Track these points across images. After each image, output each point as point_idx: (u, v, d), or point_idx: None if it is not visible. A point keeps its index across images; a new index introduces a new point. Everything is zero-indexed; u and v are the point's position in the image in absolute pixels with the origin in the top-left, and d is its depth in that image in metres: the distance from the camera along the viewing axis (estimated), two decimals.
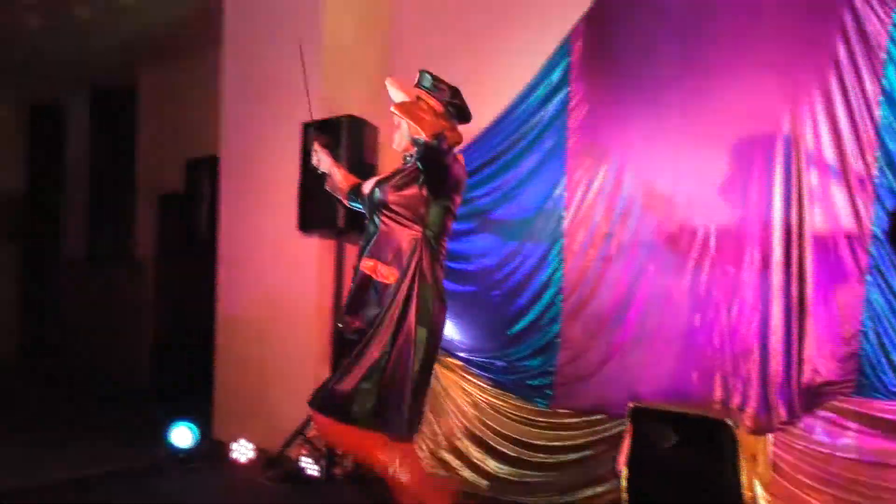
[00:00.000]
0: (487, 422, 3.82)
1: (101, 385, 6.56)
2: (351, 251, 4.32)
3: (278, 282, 4.47)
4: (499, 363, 3.79)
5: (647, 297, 3.36)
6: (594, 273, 3.51)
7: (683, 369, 3.22)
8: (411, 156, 2.68)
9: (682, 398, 3.17)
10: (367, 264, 2.61)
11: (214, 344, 4.82)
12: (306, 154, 4.03)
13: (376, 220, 2.65)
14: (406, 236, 2.59)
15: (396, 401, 2.51)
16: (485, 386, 3.85)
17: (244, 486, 3.84)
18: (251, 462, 4.18)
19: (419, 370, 2.53)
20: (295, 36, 4.37)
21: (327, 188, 3.10)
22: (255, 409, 4.51)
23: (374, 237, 2.62)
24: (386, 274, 2.57)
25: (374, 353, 2.52)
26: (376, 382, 2.50)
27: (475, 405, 3.88)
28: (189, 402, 4.71)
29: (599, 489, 3.38)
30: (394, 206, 2.60)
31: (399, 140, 2.75)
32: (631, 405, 3.08)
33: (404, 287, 2.54)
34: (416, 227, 2.60)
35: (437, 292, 2.59)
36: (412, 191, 2.58)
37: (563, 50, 3.62)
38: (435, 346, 2.60)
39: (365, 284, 2.62)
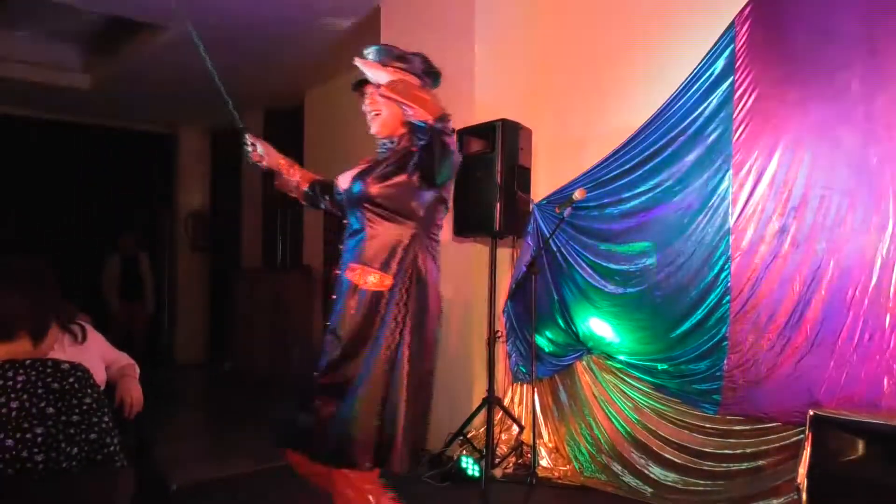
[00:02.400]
0: (650, 427, 3.70)
1: (276, 385, 7.03)
2: (503, 255, 4.36)
3: None
4: (662, 367, 3.66)
5: (826, 297, 3.11)
6: (765, 271, 3.30)
7: (872, 375, 2.94)
8: (391, 142, 2.39)
9: (870, 406, 2.91)
10: (352, 271, 2.27)
11: None
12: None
13: (357, 217, 2.31)
14: (396, 234, 2.26)
15: (392, 431, 2.20)
16: (647, 390, 3.74)
17: (405, 485, 3.95)
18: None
19: (419, 387, 2.26)
20: (447, 44, 4.50)
21: (276, 187, 2.78)
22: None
23: (360, 239, 2.28)
24: (376, 281, 2.24)
25: (361, 372, 2.21)
26: (370, 410, 2.19)
27: (637, 409, 3.77)
28: None
29: (774, 502, 3.17)
30: (379, 200, 2.25)
31: (381, 126, 2.39)
32: (811, 413, 2.86)
33: (401, 295, 2.23)
34: (407, 221, 2.27)
35: (435, 294, 2.33)
36: (399, 180, 2.25)
37: (728, 36, 3.45)
38: (433, 355, 2.34)
39: (348, 295, 2.28)
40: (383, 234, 2.26)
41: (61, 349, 2.22)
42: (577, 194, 3.66)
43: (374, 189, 2.26)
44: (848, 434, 2.78)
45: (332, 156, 6.98)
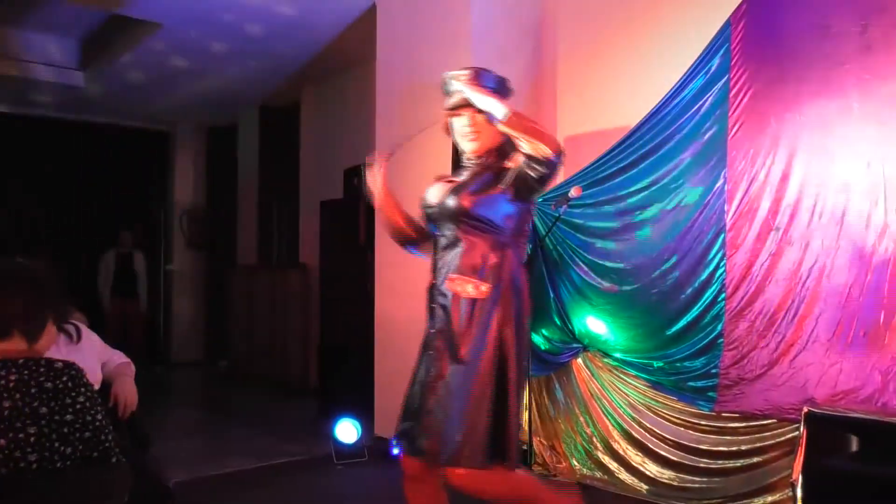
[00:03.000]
0: (647, 424, 3.71)
1: (272, 382, 7.04)
2: None
3: None
4: (657, 364, 3.67)
5: (821, 294, 3.12)
6: (761, 269, 3.30)
7: (866, 371, 2.95)
8: (479, 157, 2.47)
9: (864, 403, 2.91)
10: (452, 282, 2.37)
11: (374, 343, 5.02)
12: (456, 159, 4.12)
13: (452, 230, 2.40)
14: (491, 244, 2.37)
15: (503, 429, 2.31)
16: (643, 387, 3.74)
17: (398, 484, 3.96)
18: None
19: (521, 387, 2.39)
20: (443, 45, 4.50)
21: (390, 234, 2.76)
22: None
23: (457, 251, 2.39)
24: (476, 290, 2.34)
25: (469, 376, 2.31)
26: (480, 411, 2.29)
27: (633, 407, 3.78)
28: (353, 399, 4.94)
29: (770, 498, 3.19)
30: (475, 214, 2.36)
31: (480, 147, 2.46)
32: (806, 410, 2.87)
33: (500, 301, 2.35)
34: (500, 232, 2.39)
35: (527, 298, 2.44)
36: (495, 194, 2.37)
37: (723, 34, 3.45)
38: (529, 355, 2.47)
39: (450, 304, 2.38)
40: (480, 245, 2.37)
41: (56, 348, 2.21)
42: (573, 192, 3.66)
43: (472, 203, 2.36)
44: (842, 431, 2.80)
45: (327, 153, 6.99)
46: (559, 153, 2.24)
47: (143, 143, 9.08)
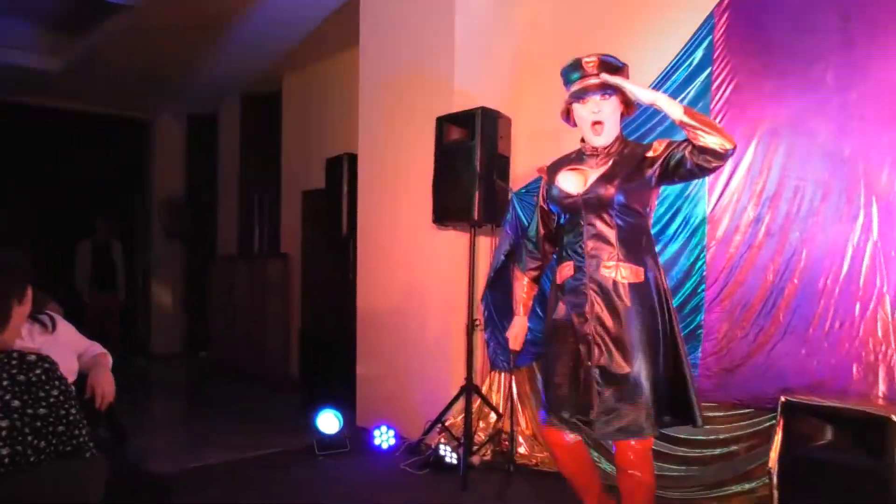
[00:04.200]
0: None
1: (253, 374, 7.01)
2: (483, 243, 4.36)
3: (414, 274, 4.58)
4: None
5: (798, 285, 3.16)
6: (740, 260, 3.34)
7: (841, 362, 3.00)
8: (604, 147, 2.55)
9: (839, 392, 2.96)
10: (608, 269, 2.48)
11: (356, 334, 5.02)
12: (440, 147, 4.12)
13: (601, 219, 2.50)
14: (639, 230, 2.51)
15: (686, 392, 2.51)
16: None
17: (385, 472, 3.97)
18: (392, 449, 4.31)
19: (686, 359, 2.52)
20: (427, 32, 4.48)
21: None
22: (395, 397, 4.65)
23: (610, 238, 2.49)
24: (632, 274, 2.47)
25: (644, 357, 2.44)
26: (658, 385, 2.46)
27: None
28: (335, 390, 4.93)
29: (747, 486, 3.23)
30: (627, 202, 2.47)
31: (606, 136, 2.54)
32: (782, 399, 2.90)
33: (655, 282, 2.49)
34: (644, 217, 2.54)
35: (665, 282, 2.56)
36: (642, 183, 2.47)
37: (706, 27, 3.47)
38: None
39: (609, 291, 2.48)
40: (630, 231, 2.49)
41: (30, 339, 2.18)
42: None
43: (626, 192, 2.46)
44: (818, 419, 2.84)
45: (309, 143, 6.94)
46: (735, 146, 2.30)
47: (120, 131, 8.96)
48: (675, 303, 3.50)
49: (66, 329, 2.42)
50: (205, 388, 7.12)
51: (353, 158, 5.13)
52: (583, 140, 2.62)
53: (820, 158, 3.15)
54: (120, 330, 7.75)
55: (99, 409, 2.29)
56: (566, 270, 2.58)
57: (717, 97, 3.43)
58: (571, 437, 2.59)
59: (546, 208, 2.77)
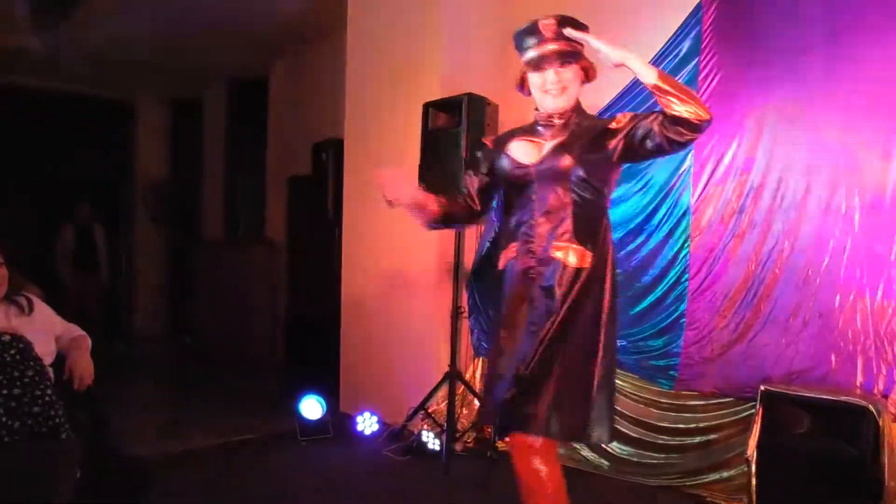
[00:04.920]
0: None
1: (236, 359, 6.98)
2: (468, 230, 4.36)
3: (399, 260, 4.57)
4: (621, 343, 3.71)
5: (780, 277, 3.19)
6: (723, 250, 3.36)
7: (820, 352, 3.04)
8: (558, 117, 2.27)
9: (818, 382, 2.99)
10: (558, 250, 2.19)
11: (340, 320, 5.01)
12: (426, 133, 4.10)
13: (553, 194, 2.21)
14: (595, 209, 2.23)
15: (606, 409, 2.19)
16: None
17: (368, 458, 3.97)
18: (375, 435, 4.32)
19: (612, 366, 2.24)
20: (414, 17, 4.45)
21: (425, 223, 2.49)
22: (379, 383, 4.66)
23: (561, 215, 2.20)
24: (579, 259, 2.17)
25: (575, 350, 2.15)
26: (577, 389, 2.15)
27: None
28: (318, 376, 4.92)
29: (726, 474, 3.27)
30: (585, 175, 2.19)
31: (567, 100, 2.26)
32: (762, 388, 2.94)
33: (605, 272, 2.21)
34: (603, 196, 2.25)
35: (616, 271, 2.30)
36: (603, 155, 2.20)
37: (695, 17, 3.48)
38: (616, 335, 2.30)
39: (554, 274, 2.18)
40: (586, 210, 2.21)
41: (6, 321, 2.15)
42: None
43: (584, 164, 2.19)
44: (796, 409, 2.87)
45: (296, 128, 6.89)
46: (711, 118, 2.06)
47: (103, 113, 8.84)
48: (657, 292, 3.56)
49: (43, 311, 2.39)
50: (187, 372, 7.09)
51: (339, 144, 5.10)
52: (537, 110, 2.34)
53: (804, 150, 3.17)
54: (102, 313, 7.70)
55: (77, 392, 2.27)
56: (510, 253, 2.30)
57: (704, 88, 3.44)
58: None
59: (484, 178, 2.47)
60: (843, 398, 2.77)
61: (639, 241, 3.65)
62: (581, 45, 2.22)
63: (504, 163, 2.34)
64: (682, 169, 3.51)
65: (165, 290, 9.15)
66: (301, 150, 6.57)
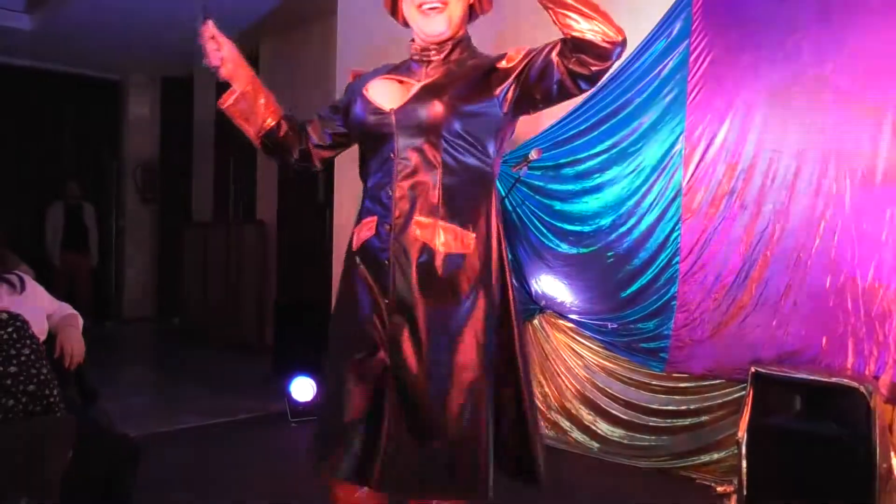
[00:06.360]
0: (599, 384, 3.77)
1: (227, 340, 6.97)
2: None
3: None
4: (612, 325, 3.72)
5: (771, 258, 3.19)
6: (714, 232, 3.36)
7: (811, 333, 3.04)
8: (436, 50, 1.76)
9: (808, 364, 3.01)
10: (422, 227, 1.65)
11: (331, 302, 4.99)
12: None
13: (417, 152, 1.67)
14: (476, 175, 1.70)
15: (523, 438, 1.71)
16: (597, 348, 3.80)
17: None
18: None
19: (531, 375, 1.78)
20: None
21: (228, 111, 1.98)
22: None
23: (428, 182, 1.66)
24: (456, 241, 1.65)
25: (448, 366, 1.62)
26: (475, 416, 1.62)
27: (586, 367, 3.84)
28: (309, 357, 4.92)
29: (716, 455, 3.29)
30: (460, 129, 1.66)
31: (447, 25, 1.74)
32: (753, 370, 2.94)
33: (491, 258, 1.69)
34: (487, 159, 1.71)
35: (508, 259, 1.76)
36: (487, 103, 1.68)
37: None
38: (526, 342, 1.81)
39: (417, 260, 1.65)
40: (463, 176, 1.67)
41: None
42: (533, 154, 3.64)
43: (459, 113, 1.65)
44: (787, 390, 2.88)
45: (286, 107, 6.83)
46: (625, 39, 1.57)
47: (93, 92, 8.76)
48: (648, 274, 3.56)
49: (35, 290, 2.37)
50: (176, 353, 7.08)
51: None
52: (413, 41, 1.83)
53: (795, 131, 3.16)
54: (91, 293, 7.66)
55: (68, 370, 2.25)
56: (365, 231, 1.74)
57: (694, 69, 3.42)
58: (364, 491, 1.69)
59: (330, 116, 1.98)
60: (834, 379, 2.78)
61: (630, 223, 3.64)
62: None
63: (358, 107, 1.79)
64: (674, 151, 3.50)
65: (155, 271, 9.11)
66: None
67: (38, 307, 2.33)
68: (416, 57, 1.80)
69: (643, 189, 3.59)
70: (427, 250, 1.64)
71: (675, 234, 3.49)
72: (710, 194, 3.38)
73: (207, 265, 7.54)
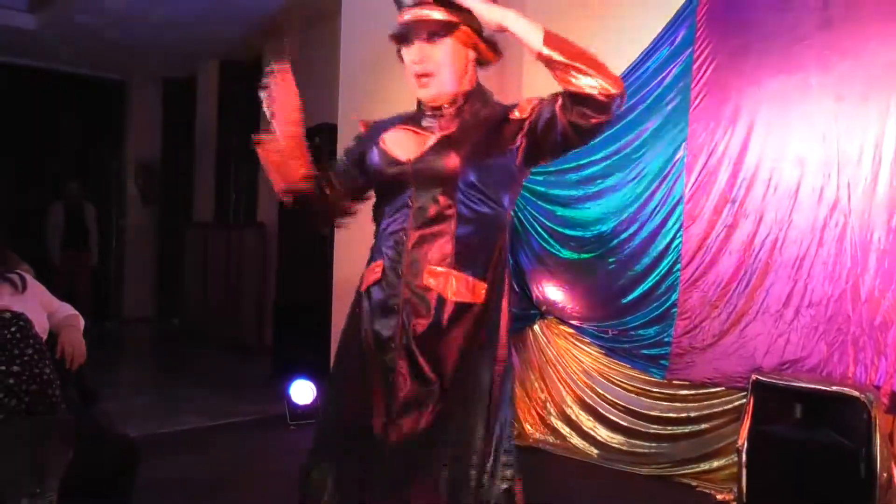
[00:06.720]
0: (599, 390, 3.77)
1: (226, 341, 6.97)
2: None
3: None
4: (612, 331, 3.72)
5: (773, 266, 3.19)
6: (716, 240, 3.36)
7: (812, 342, 3.04)
8: (450, 105, 1.76)
9: (809, 372, 3.01)
10: (434, 276, 1.67)
11: (331, 305, 4.99)
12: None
13: (433, 202, 1.70)
14: (491, 227, 1.73)
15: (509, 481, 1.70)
16: (597, 354, 3.80)
17: None
18: None
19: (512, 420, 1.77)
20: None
21: (258, 152, 1.83)
22: None
23: (443, 230, 1.69)
24: (467, 290, 1.68)
25: (459, 412, 1.66)
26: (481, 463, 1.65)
27: (587, 373, 3.83)
28: (308, 360, 4.91)
29: (716, 463, 3.29)
30: (478, 180, 1.69)
31: (439, 91, 1.75)
32: (753, 378, 2.95)
33: (499, 308, 1.73)
34: (500, 209, 1.74)
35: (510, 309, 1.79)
36: (500, 156, 1.72)
37: (690, 7, 3.46)
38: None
39: (429, 309, 1.67)
40: (477, 227, 1.71)
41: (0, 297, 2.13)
42: None
43: (474, 166, 1.69)
44: (788, 398, 2.88)
45: None
46: (624, 91, 1.56)
47: (96, 92, 8.76)
48: (649, 281, 3.56)
49: (36, 289, 2.36)
50: (176, 354, 7.07)
51: (332, 129, 5.07)
52: None
53: (797, 139, 3.17)
54: (91, 293, 7.65)
55: (69, 370, 2.25)
56: (373, 273, 1.78)
57: (697, 77, 3.43)
58: None
59: (351, 169, 1.93)
60: (834, 388, 2.78)
61: (632, 230, 3.65)
62: (459, 10, 1.69)
63: (375, 157, 1.82)
64: (676, 158, 3.51)
65: (155, 272, 9.11)
66: None
67: (40, 307, 2.32)
68: (428, 112, 1.81)
69: (645, 195, 3.60)
70: (438, 298, 1.67)
71: (676, 241, 3.49)
72: (713, 202, 3.39)
73: (208, 266, 7.54)
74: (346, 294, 5.23)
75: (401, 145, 1.78)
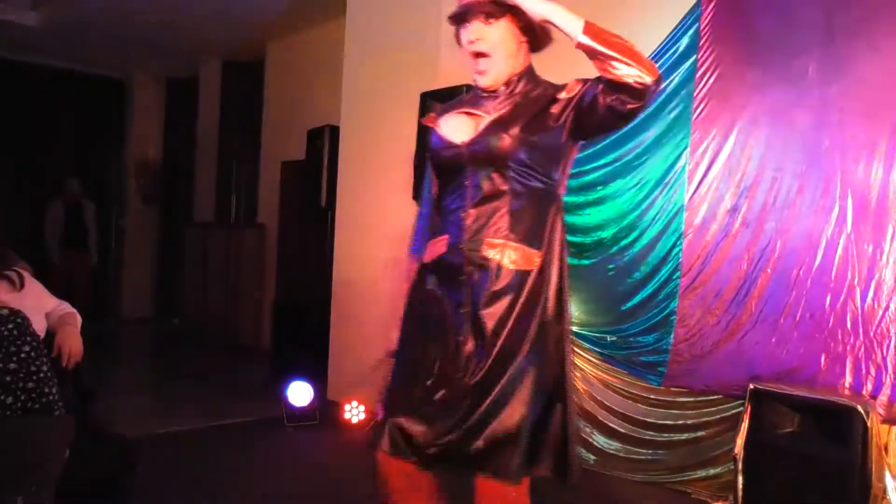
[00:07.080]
0: (596, 397, 3.77)
1: (225, 342, 6.97)
2: None
3: (392, 249, 4.55)
4: (611, 338, 3.73)
5: (772, 275, 3.20)
6: (716, 249, 3.37)
7: (809, 352, 3.05)
8: (505, 86, 1.91)
9: (806, 382, 3.01)
10: (493, 248, 1.82)
11: (330, 307, 4.99)
12: (422, 124, 4.08)
13: (489, 180, 1.84)
14: (542, 199, 1.86)
15: (565, 434, 1.88)
16: (595, 361, 3.80)
17: (351, 447, 3.97)
18: (361, 423, 4.31)
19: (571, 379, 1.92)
20: (415, 5, 4.42)
21: None
22: (367, 372, 4.64)
23: (501, 206, 1.83)
24: (524, 259, 1.82)
25: (521, 372, 1.78)
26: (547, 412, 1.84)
27: (585, 380, 3.83)
28: (307, 362, 4.91)
29: (712, 471, 3.28)
30: (526, 158, 1.82)
31: (495, 77, 1.89)
32: (751, 387, 2.95)
33: (553, 274, 1.85)
34: (552, 183, 1.88)
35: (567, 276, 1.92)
36: (549, 134, 1.84)
37: (693, 15, 3.47)
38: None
39: (491, 277, 1.82)
40: (530, 201, 1.84)
41: None
42: None
43: (527, 144, 1.81)
44: (785, 408, 2.89)
45: (291, 111, 6.86)
46: (659, 78, 1.71)
47: (98, 91, 8.77)
48: (649, 289, 3.57)
49: (34, 287, 2.36)
50: (175, 354, 7.07)
51: (335, 130, 5.08)
52: None
53: (798, 150, 3.18)
54: (90, 292, 7.65)
55: (65, 368, 2.25)
56: (439, 246, 1.93)
57: (700, 85, 3.44)
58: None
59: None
60: (831, 398, 2.79)
61: (632, 236, 3.66)
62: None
63: (434, 142, 1.99)
64: (677, 166, 3.51)
65: (155, 271, 9.11)
66: (295, 135, 6.54)
67: (37, 305, 2.32)
68: (483, 92, 1.94)
69: (646, 203, 3.60)
70: (497, 267, 1.82)
71: (676, 250, 3.49)
72: (713, 211, 3.40)
73: (207, 267, 7.54)
74: (346, 295, 5.29)
75: (456, 128, 1.93)
